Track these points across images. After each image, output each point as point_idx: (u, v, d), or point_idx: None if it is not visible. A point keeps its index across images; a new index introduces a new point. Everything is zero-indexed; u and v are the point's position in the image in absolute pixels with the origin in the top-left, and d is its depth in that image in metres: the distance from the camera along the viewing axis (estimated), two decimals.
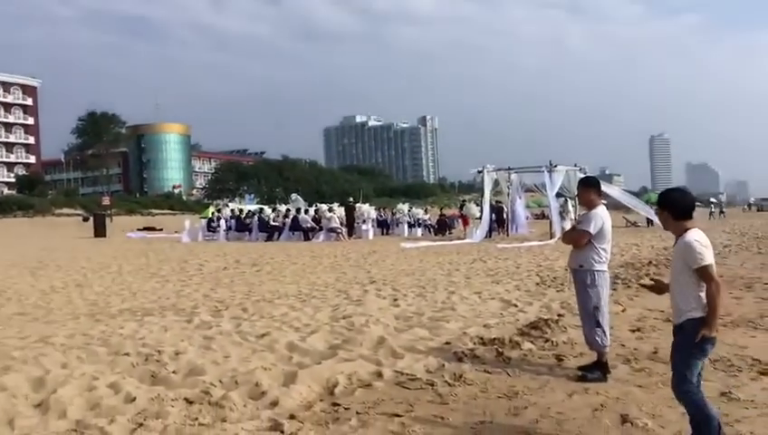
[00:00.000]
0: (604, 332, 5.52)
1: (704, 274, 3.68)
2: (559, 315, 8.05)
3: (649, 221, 29.85)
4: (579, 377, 5.38)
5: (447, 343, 6.63)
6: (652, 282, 4.55)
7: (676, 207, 3.88)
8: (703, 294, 3.69)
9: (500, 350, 6.30)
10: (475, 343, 6.59)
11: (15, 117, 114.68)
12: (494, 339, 6.73)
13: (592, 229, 5.47)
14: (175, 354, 6.06)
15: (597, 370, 5.41)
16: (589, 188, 5.67)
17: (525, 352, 6.30)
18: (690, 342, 3.70)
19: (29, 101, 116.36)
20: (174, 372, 5.53)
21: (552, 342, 6.69)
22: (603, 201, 5.83)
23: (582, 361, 5.77)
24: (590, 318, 5.55)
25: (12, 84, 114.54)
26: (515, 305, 8.87)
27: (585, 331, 5.64)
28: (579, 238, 5.58)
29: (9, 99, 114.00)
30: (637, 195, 49.87)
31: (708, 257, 3.69)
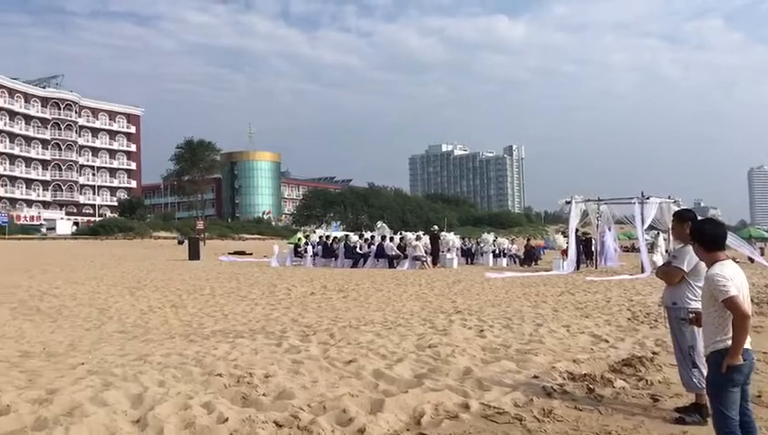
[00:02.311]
0: (701, 372, 5.25)
1: (729, 305, 3.69)
2: (653, 353, 7.75)
3: (750, 259, 28.35)
4: (676, 419, 5.15)
5: (536, 376, 6.50)
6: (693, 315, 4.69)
7: (705, 238, 4.00)
8: (729, 326, 3.71)
9: (591, 386, 6.12)
10: (564, 379, 6.43)
11: (120, 144, 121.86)
12: (585, 375, 6.54)
13: (685, 267, 5.26)
14: (265, 377, 6.19)
15: (695, 412, 5.17)
16: (683, 223, 5.43)
17: (618, 391, 6.09)
18: (717, 373, 3.71)
19: (132, 129, 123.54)
20: (264, 394, 5.64)
21: (647, 380, 6.44)
22: None
23: (679, 402, 5.53)
24: (686, 358, 5.33)
25: (118, 113, 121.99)
26: (606, 341, 8.59)
27: (681, 371, 5.43)
28: (672, 275, 5.39)
29: (115, 126, 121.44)
30: (735, 229, 47.51)
31: (732, 289, 3.70)
